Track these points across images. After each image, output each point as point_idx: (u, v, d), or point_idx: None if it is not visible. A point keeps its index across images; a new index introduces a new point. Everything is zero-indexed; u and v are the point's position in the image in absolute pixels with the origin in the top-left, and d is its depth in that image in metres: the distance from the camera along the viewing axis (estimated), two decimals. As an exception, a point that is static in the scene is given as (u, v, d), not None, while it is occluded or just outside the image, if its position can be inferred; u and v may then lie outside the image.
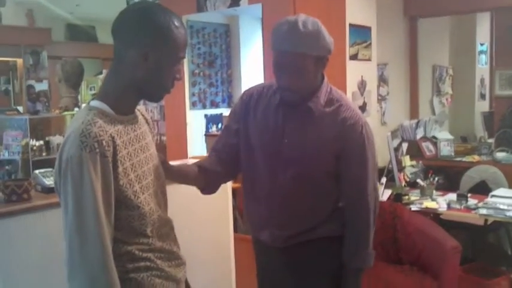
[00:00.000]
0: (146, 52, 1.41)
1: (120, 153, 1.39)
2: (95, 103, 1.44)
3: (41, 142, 5.93)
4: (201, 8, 4.36)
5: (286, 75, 1.79)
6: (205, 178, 1.92)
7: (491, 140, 5.20)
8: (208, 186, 1.98)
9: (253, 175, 1.96)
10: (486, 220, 3.84)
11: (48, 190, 2.23)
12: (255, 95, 1.96)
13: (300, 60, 1.76)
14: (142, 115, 1.62)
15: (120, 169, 1.38)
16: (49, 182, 2.25)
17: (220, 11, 4.63)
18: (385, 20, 4.94)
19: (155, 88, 1.49)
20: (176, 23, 1.45)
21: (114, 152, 1.37)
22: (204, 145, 5.93)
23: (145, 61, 1.42)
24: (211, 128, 6.14)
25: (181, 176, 1.87)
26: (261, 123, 1.91)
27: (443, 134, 5.40)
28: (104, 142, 1.33)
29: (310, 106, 1.84)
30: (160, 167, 1.62)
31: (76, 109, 5.82)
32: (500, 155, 4.77)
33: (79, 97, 6.20)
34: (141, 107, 1.63)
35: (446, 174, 5.07)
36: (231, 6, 4.17)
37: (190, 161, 3.44)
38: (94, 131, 1.33)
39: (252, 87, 2.03)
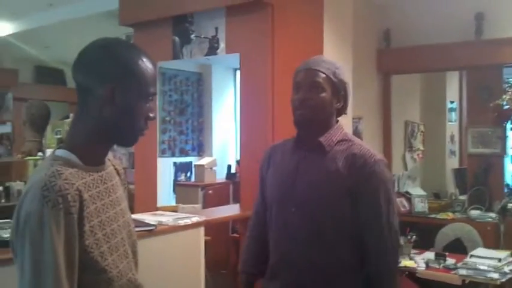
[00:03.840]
0: (112, 88, 1.26)
1: (87, 209, 1.22)
2: (61, 152, 1.28)
3: (0, 188, 5.64)
4: (176, 55, 4.28)
5: (302, 90, 1.82)
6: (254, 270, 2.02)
7: (462, 197, 5.18)
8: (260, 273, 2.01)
9: (270, 224, 1.92)
10: (464, 280, 3.74)
11: (5, 244, 2.00)
12: (276, 146, 2.03)
13: (318, 76, 1.81)
14: (113, 165, 1.46)
15: (87, 227, 1.22)
16: (6, 234, 2.03)
17: (193, 59, 4.57)
18: (360, 75, 4.95)
19: (126, 130, 1.32)
20: (143, 57, 1.32)
21: (80, 208, 1.20)
22: (172, 194, 5.74)
23: (112, 99, 1.26)
24: (179, 176, 5.98)
25: None
26: (277, 169, 1.92)
27: (417, 190, 5.36)
28: (69, 197, 1.17)
29: (321, 141, 1.82)
30: (131, 222, 1.45)
31: (40, 153, 5.58)
32: (474, 212, 4.74)
33: (43, 141, 5.96)
34: (109, 156, 1.46)
35: (420, 231, 4.99)
36: (207, 54, 4.10)
37: (158, 213, 3.28)
38: (58, 183, 1.17)
39: (276, 142, 2.10)
